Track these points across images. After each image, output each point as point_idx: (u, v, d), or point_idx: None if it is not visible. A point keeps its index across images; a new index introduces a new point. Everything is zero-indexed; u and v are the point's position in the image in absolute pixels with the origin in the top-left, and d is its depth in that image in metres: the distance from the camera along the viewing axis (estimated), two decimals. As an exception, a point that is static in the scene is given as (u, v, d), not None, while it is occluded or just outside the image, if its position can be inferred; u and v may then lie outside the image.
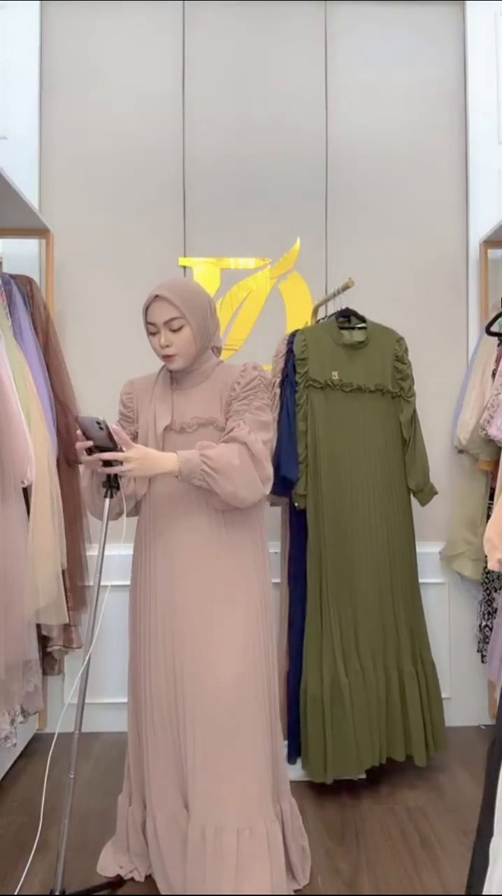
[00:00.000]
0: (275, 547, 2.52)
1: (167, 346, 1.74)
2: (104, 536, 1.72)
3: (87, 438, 1.62)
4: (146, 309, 1.76)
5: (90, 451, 1.63)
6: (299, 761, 2.33)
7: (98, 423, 1.57)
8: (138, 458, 1.61)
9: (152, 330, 1.76)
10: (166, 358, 1.77)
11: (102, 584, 1.69)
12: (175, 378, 1.84)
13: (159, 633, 1.75)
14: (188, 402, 1.80)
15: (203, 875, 1.63)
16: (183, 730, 1.70)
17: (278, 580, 2.47)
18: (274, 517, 2.47)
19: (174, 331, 1.73)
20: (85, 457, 1.65)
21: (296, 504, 2.35)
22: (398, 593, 2.41)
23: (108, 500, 1.69)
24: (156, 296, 1.73)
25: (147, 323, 1.77)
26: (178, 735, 1.71)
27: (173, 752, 1.73)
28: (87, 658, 1.67)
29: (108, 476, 1.68)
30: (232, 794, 1.65)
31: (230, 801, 1.65)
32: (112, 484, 1.69)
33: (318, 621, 2.30)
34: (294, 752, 2.32)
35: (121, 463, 1.61)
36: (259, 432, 1.72)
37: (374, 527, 2.38)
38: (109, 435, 1.59)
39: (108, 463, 1.63)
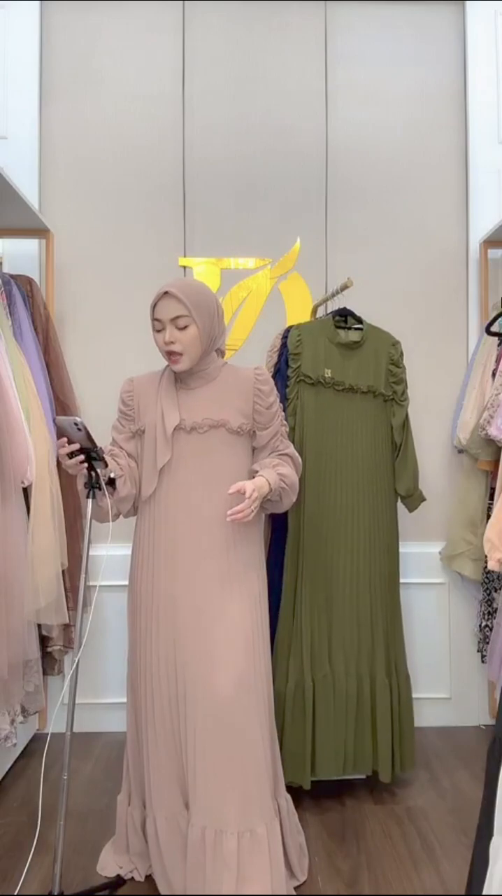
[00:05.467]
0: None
1: (171, 342, 1.74)
2: (88, 537, 1.75)
3: (69, 441, 1.63)
4: (154, 305, 1.76)
5: (72, 454, 1.65)
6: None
7: (76, 423, 1.59)
8: (257, 493, 1.68)
9: (158, 327, 1.77)
10: (170, 356, 1.77)
11: (98, 583, 1.69)
12: (180, 377, 1.84)
13: (161, 631, 1.75)
14: (196, 401, 1.80)
15: (203, 876, 1.63)
16: (184, 729, 1.70)
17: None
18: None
19: (180, 329, 1.73)
20: (66, 460, 1.66)
21: None
22: (377, 599, 2.32)
23: (90, 501, 1.72)
24: (165, 292, 1.73)
25: (153, 319, 1.77)
26: (179, 734, 1.71)
27: (174, 751, 1.73)
28: (76, 659, 1.69)
29: (90, 476, 1.69)
30: (233, 795, 1.65)
31: (231, 803, 1.65)
32: (94, 484, 1.70)
33: (290, 622, 2.27)
34: None
35: (102, 462, 1.67)
36: (289, 443, 1.91)
37: (356, 527, 2.32)
38: (88, 435, 1.61)
39: (88, 462, 1.66)
